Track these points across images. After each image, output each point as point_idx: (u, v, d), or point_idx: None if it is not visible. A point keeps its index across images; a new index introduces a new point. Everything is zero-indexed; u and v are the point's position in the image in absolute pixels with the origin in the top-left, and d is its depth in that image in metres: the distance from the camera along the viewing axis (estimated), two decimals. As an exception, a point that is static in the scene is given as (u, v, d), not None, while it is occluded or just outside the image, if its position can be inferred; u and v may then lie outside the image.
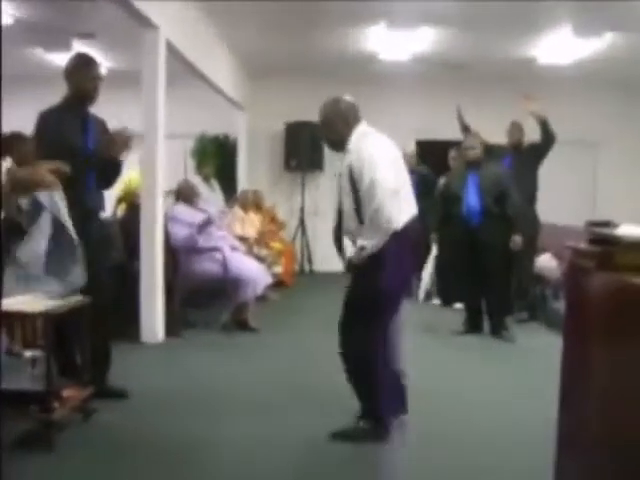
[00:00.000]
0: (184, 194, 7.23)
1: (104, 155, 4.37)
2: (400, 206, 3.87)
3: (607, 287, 2.15)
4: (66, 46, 8.68)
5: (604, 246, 2.20)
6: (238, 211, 9.24)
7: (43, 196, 3.82)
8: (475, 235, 6.64)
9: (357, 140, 3.94)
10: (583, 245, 2.32)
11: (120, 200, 8.93)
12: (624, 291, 2.03)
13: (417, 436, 4.03)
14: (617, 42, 8.73)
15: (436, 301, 8.72)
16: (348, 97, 4.11)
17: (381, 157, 3.87)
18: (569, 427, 2.43)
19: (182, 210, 7.08)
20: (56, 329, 3.84)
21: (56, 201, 3.85)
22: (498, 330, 6.82)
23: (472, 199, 6.72)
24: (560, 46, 9.06)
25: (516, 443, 3.96)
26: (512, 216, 6.70)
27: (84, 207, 4.33)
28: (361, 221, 3.88)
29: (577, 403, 2.35)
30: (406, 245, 3.90)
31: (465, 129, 7.76)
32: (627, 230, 2.30)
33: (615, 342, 2.08)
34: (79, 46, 8.67)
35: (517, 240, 6.68)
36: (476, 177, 6.74)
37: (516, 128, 7.73)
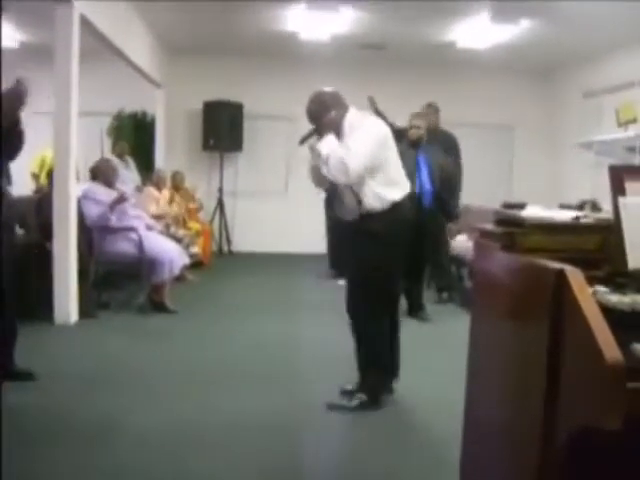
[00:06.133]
0: (101, 173, 7.08)
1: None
2: (393, 184, 4.15)
3: (510, 267, 2.21)
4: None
5: (509, 227, 2.27)
6: (152, 190, 9.11)
7: None
8: None
9: (350, 123, 4.13)
10: (489, 226, 2.39)
11: (36, 177, 8.75)
12: (525, 271, 2.10)
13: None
14: (532, 29, 8.90)
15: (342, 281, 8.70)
16: (329, 88, 4.30)
17: (375, 136, 4.10)
18: (475, 402, 2.49)
19: (97, 189, 6.92)
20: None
21: None
22: (415, 310, 6.94)
23: None
24: (478, 31, 9.18)
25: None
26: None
27: None
28: (359, 201, 4.10)
29: (483, 377, 2.42)
30: (401, 222, 4.16)
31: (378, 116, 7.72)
32: (531, 212, 2.37)
33: (517, 320, 2.14)
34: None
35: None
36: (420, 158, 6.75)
37: (431, 111, 7.67)
